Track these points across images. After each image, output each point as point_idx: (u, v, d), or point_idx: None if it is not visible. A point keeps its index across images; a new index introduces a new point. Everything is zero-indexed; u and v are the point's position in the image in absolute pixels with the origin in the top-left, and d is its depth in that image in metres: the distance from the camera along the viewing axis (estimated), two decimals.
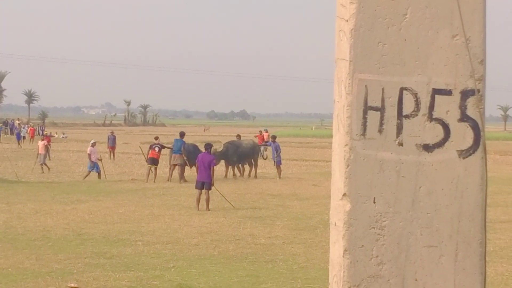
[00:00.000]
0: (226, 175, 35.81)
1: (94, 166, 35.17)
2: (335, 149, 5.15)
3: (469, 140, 4.99)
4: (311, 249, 16.30)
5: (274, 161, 36.94)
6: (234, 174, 36.06)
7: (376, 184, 4.95)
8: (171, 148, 34.19)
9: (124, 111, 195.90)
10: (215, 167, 24.30)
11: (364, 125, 4.95)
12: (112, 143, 50.79)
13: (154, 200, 25.53)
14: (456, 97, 4.98)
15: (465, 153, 4.98)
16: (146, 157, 34.67)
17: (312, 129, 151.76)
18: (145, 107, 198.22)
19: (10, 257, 14.92)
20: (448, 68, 4.98)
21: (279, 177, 35.44)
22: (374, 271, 4.96)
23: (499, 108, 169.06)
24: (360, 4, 4.95)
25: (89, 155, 35.40)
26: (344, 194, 4.97)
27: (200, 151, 34.72)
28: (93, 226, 19.16)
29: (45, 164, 39.39)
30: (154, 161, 33.77)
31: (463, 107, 4.98)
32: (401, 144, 4.96)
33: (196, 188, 23.45)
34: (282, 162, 38.25)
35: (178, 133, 35.81)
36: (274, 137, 39.55)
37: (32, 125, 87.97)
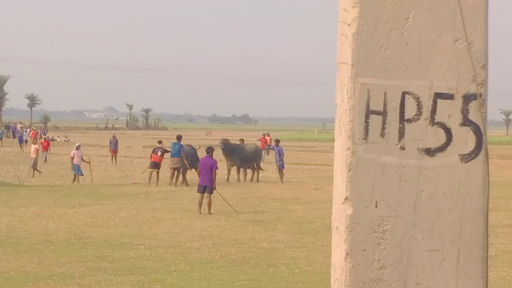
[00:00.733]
0: (228, 179, 35.81)
1: (75, 169, 34.89)
2: (337, 153, 5.16)
3: (471, 145, 4.99)
4: (313, 253, 16.29)
5: (277, 165, 36.91)
6: (238, 179, 36.05)
7: (378, 188, 4.95)
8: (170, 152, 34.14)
9: (126, 114, 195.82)
10: (217, 170, 24.27)
11: (366, 129, 4.95)
12: (114, 147, 50.71)
13: (156, 204, 25.52)
14: (458, 101, 4.98)
15: (467, 158, 4.98)
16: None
17: (314, 133, 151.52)
18: (147, 111, 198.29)
19: (12, 260, 14.92)
20: (450, 72, 4.98)
21: (281, 181, 35.43)
22: (376, 275, 4.96)
23: (501, 113, 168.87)
24: (362, 8, 4.95)
25: (72, 157, 35.20)
26: (346, 198, 4.97)
27: (196, 153, 34.82)
28: (95, 229, 19.15)
29: (36, 169, 38.84)
30: (156, 165, 33.75)
31: (465, 112, 4.98)
32: (403, 148, 4.96)
33: (198, 192, 23.44)
34: (285, 166, 38.22)
35: (176, 137, 35.77)
36: (277, 141, 39.56)
37: (34, 128, 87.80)
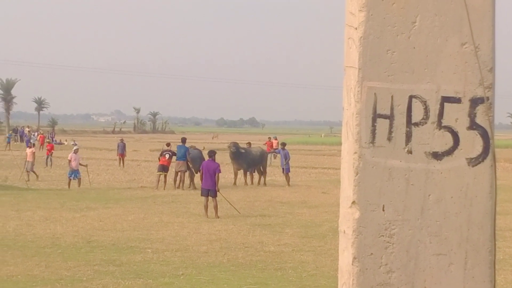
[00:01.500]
0: (235, 183, 35.81)
1: (73, 173, 34.65)
2: (344, 157, 5.15)
3: (478, 148, 4.98)
4: (320, 256, 16.28)
5: (283, 169, 36.88)
6: (245, 183, 36.05)
7: (385, 192, 4.95)
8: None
9: (134, 118, 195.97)
10: (220, 174, 24.29)
11: (373, 132, 4.94)
12: (121, 151, 50.79)
13: (164, 207, 25.54)
14: (465, 105, 4.98)
15: (475, 161, 4.98)
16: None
17: (321, 136, 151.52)
18: (154, 115, 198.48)
19: (20, 264, 14.95)
20: (457, 76, 4.98)
21: (288, 185, 35.42)
22: (383, 279, 4.95)
23: (509, 116, 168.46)
24: (369, 12, 4.95)
25: (69, 161, 34.85)
26: (353, 202, 4.97)
27: (203, 156, 34.84)
28: (103, 233, 19.18)
29: (34, 172, 38.57)
30: (164, 168, 33.73)
31: (472, 115, 4.98)
32: (410, 152, 4.95)
33: (202, 195, 23.48)
34: (291, 169, 38.20)
35: (180, 139, 35.75)
36: (283, 144, 39.53)
37: (42, 132, 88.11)
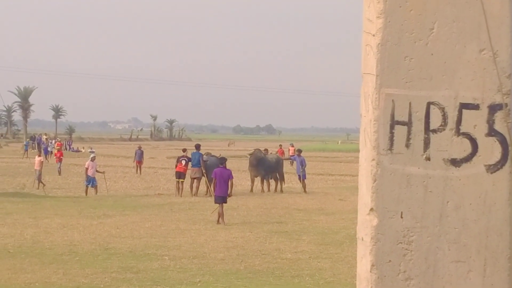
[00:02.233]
0: (251, 190, 35.81)
1: (90, 181, 34.69)
2: (362, 164, 5.14)
3: (497, 155, 4.96)
4: (338, 264, 16.25)
5: (299, 175, 36.86)
6: (262, 190, 36.05)
7: (403, 199, 4.93)
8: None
9: (151, 125, 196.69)
10: (233, 180, 24.39)
11: (391, 139, 4.93)
12: (139, 158, 50.93)
13: (180, 214, 25.57)
14: (484, 111, 4.96)
15: (493, 168, 4.96)
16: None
17: (338, 143, 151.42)
18: (171, 122, 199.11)
19: (37, 271, 15.00)
20: (475, 82, 4.96)
21: (305, 191, 35.41)
22: (402, 287, 4.93)
23: None
24: (387, 19, 4.95)
25: (86, 169, 34.85)
26: (371, 209, 4.96)
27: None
28: (120, 240, 19.21)
29: (41, 181, 38.23)
30: (180, 175, 33.78)
31: (490, 122, 4.96)
32: (428, 158, 4.94)
33: (217, 203, 23.50)
34: (308, 176, 38.15)
35: (194, 146, 35.77)
36: (299, 151, 39.51)
37: (59, 140, 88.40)
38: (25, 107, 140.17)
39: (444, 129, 4.95)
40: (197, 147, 34.98)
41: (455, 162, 4.95)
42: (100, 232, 20.70)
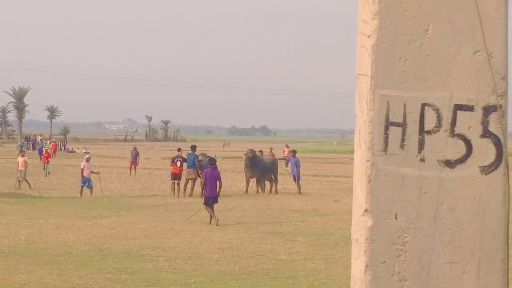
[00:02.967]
0: (246, 191, 35.79)
1: (86, 182, 34.70)
2: (357, 165, 5.15)
3: (491, 156, 4.97)
4: (332, 265, 16.25)
5: (294, 176, 36.85)
6: (257, 191, 36.02)
7: (397, 200, 4.94)
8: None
9: (146, 126, 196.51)
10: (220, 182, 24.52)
11: (386, 140, 4.94)
12: (133, 159, 50.95)
13: (175, 215, 25.55)
14: (478, 113, 4.97)
15: (487, 169, 4.97)
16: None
17: (333, 144, 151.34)
18: (166, 123, 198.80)
19: (32, 272, 14.98)
20: (470, 83, 4.98)
21: (300, 192, 35.40)
22: (396, 287, 4.94)
23: None
24: (382, 20, 4.96)
25: (82, 169, 34.83)
26: (366, 210, 4.96)
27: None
28: (115, 241, 19.19)
29: (26, 181, 38.22)
30: (176, 176, 33.76)
31: (485, 123, 4.97)
32: (423, 160, 4.95)
33: (206, 203, 23.52)
34: (303, 177, 38.12)
35: (190, 147, 35.74)
36: (294, 152, 39.49)
37: (54, 140, 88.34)
38: (20, 108, 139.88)
39: (438, 130, 4.96)
40: (193, 148, 34.94)
41: (449, 163, 4.96)
42: (94, 233, 20.67)
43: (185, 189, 33.59)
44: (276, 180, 36.73)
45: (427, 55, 4.97)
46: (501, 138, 4.98)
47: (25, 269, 15.29)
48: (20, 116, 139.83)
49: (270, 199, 32.54)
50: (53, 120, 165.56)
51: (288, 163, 42.90)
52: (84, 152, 47.70)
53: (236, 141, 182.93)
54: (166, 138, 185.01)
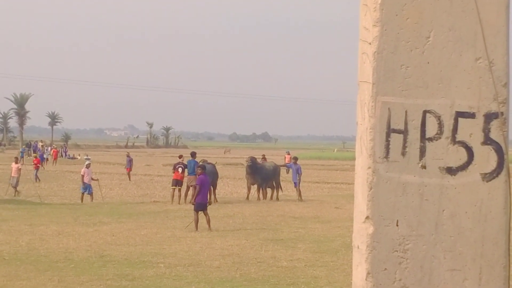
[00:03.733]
0: (248, 197, 35.76)
1: (87, 188, 34.71)
2: (358, 172, 5.15)
3: (492, 163, 4.97)
4: (333, 272, 16.22)
5: (295, 183, 36.82)
6: (258, 198, 35.98)
7: (399, 207, 4.94)
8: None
9: (147, 133, 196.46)
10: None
11: (387, 147, 4.94)
12: (128, 165, 51.64)
13: (176, 222, 25.53)
14: (480, 120, 4.97)
15: (489, 177, 4.97)
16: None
17: (334, 151, 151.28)
18: (167, 129, 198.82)
19: (33, 278, 14.96)
20: (471, 91, 4.98)
21: (301, 199, 35.35)
22: None
23: None
24: (383, 27, 4.96)
25: (82, 176, 34.91)
26: (367, 217, 4.96)
27: (216, 171, 34.93)
28: (115, 248, 19.18)
29: (15, 188, 38.04)
30: (177, 183, 33.74)
31: (486, 130, 4.97)
32: (424, 167, 4.95)
33: (197, 210, 23.47)
34: (304, 184, 38.07)
35: (190, 154, 35.74)
36: (296, 159, 39.46)
37: (55, 147, 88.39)
38: (21, 114, 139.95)
39: (440, 138, 4.96)
40: (193, 154, 34.94)
41: (451, 171, 4.96)
42: (95, 240, 20.66)
43: (185, 195, 33.57)
44: (277, 187, 36.69)
45: (428, 62, 4.98)
46: (503, 145, 4.98)
47: (25, 275, 15.28)
48: (21, 123, 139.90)
49: (271, 206, 32.50)
50: (54, 127, 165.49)
51: (289, 170, 42.87)
52: (85, 159, 47.68)
53: (237, 148, 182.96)
54: (167, 145, 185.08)
